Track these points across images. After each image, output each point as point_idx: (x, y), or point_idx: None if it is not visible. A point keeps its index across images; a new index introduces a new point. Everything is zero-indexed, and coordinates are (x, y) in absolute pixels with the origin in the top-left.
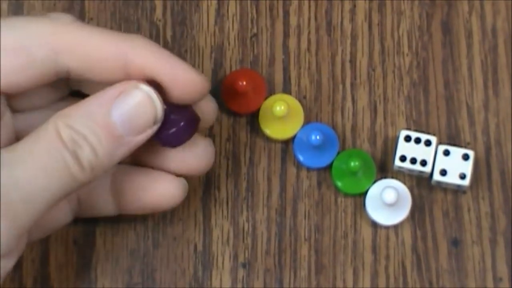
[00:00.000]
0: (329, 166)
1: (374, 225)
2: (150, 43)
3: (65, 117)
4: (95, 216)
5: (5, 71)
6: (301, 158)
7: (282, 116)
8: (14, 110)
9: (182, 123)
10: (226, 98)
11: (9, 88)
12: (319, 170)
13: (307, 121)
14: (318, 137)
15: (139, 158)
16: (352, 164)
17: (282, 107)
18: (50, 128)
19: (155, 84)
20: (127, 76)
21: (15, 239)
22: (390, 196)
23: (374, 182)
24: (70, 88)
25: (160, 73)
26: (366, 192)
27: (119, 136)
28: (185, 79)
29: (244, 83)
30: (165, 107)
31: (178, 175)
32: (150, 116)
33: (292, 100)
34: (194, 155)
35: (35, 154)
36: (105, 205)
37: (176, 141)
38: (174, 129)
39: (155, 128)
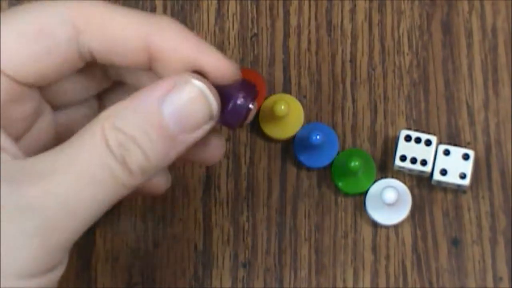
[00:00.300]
0: (329, 166)
1: (374, 225)
2: (176, 24)
3: (112, 118)
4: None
5: (31, 59)
6: (301, 158)
7: (282, 116)
8: (55, 107)
9: (240, 98)
10: None
11: (39, 78)
12: (319, 170)
13: (307, 121)
14: (318, 137)
15: None
16: (352, 164)
17: (283, 107)
18: (95, 132)
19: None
20: (152, 61)
21: (55, 256)
22: (390, 196)
23: (374, 182)
24: (111, 79)
25: (187, 57)
26: (366, 192)
27: (172, 136)
28: (214, 65)
29: None
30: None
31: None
32: (205, 113)
33: (292, 100)
34: (208, 149)
35: (77, 163)
36: None
37: (235, 119)
38: (231, 106)
39: (212, 123)
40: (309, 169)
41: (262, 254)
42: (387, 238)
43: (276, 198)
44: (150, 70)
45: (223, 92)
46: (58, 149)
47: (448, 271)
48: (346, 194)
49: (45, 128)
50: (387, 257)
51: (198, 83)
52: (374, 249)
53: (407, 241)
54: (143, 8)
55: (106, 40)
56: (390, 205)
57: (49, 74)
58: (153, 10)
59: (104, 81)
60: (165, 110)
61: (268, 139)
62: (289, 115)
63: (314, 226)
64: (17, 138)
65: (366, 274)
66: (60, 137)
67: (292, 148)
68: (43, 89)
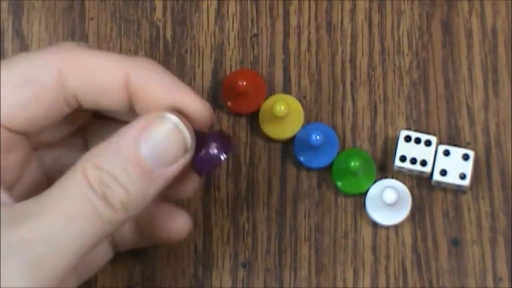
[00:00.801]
0: (329, 166)
1: (374, 225)
2: (154, 64)
3: (93, 158)
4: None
5: (19, 106)
6: (301, 158)
7: (282, 116)
8: (39, 146)
9: (213, 148)
10: (226, 98)
11: (28, 125)
12: (319, 170)
13: (307, 121)
14: (318, 137)
15: None
16: (352, 164)
17: (282, 107)
18: (77, 173)
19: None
20: (133, 101)
21: None
22: (390, 196)
23: (374, 182)
24: (90, 112)
25: (164, 96)
26: (366, 192)
27: (150, 170)
28: (189, 106)
29: (244, 83)
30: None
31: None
32: (180, 146)
33: (292, 100)
34: (184, 183)
35: (62, 202)
36: (131, 238)
37: (205, 167)
38: (203, 153)
39: (187, 157)
40: (309, 169)
41: (262, 254)
42: (387, 238)
43: (276, 198)
44: (132, 111)
45: (199, 138)
46: (44, 192)
47: (448, 271)
48: (346, 194)
49: (34, 173)
50: (387, 257)
51: (171, 117)
52: (374, 249)
53: (407, 241)
54: (143, 8)
55: (89, 83)
56: (390, 205)
57: (38, 120)
58: (153, 10)
59: (83, 116)
60: (142, 147)
61: (268, 139)
62: (289, 115)
63: (314, 226)
64: (10, 187)
65: (366, 274)
66: (50, 180)
67: (292, 148)
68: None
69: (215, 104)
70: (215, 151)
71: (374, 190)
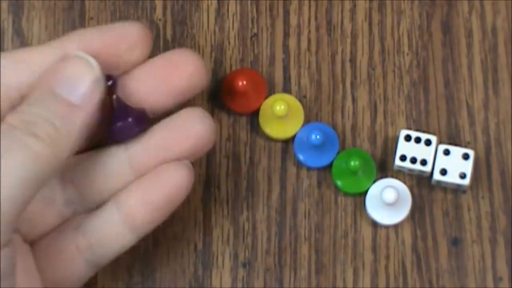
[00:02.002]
0: (329, 166)
1: (374, 224)
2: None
3: (15, 111)
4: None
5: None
6: (301, 157)
7: (282, 116)
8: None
9: (130, 119)
10: (226, 97)
11: None
12: (319, 169)
13: (307, 120)
14: (318, 137)
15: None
16: (352, 163)
17: (282, 107)
18: (2, 125)
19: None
20: None
21: None
22: (390, 196)
23: (374, 181)
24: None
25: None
26: (366, 192)
27: (69, 103)
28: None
29: (244, 82)
30: (115, 97)
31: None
32: (89, 75)
33: (292, 100)
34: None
35: None
36: (121, 238)
37: (120, 135)
38: (120, 123)
39: (100, 85)
40: (309, 168)
41: (262, 254)
42: (387, 238)
43: (276, 198)
44: None
45: (121, 109)
46: None
47: (448, 271)
48: (346, 194)
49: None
50: (387, 257)
51: (76, 53)
52: (374, 249)
53: (407, 241)
54: (143, 8)
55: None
56: (390, 205)
57: None
58: (153, 9)
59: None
60: (56, 85)
61: (268, 138)
62: (289, 115)
63: (314, 226)
64: None
65: (366, 274)
66: None
67: (292, 148)
68: None
69: (215, 103)
70: (133, 123)
71: (374, 190)
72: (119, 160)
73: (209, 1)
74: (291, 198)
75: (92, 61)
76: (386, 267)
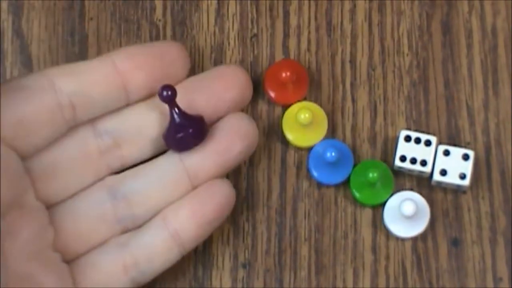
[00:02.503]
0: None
1: (374, 225)
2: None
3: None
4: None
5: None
6: (316, 174)
7: (306, 124)
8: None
9: (190, 130)
10: (268, 88)
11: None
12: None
13: None
14: (333, 154)
15: None
16: (370, 175)
17: (307, 115)
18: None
19: None
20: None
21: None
22: (409, 209)
23: (393, 193)
24: None
25: None
26: (384, 205)
27: None
28: None
29: (288, 74)
30: (175, 107)
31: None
32: None
33: (316, 109)
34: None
35: None
36: (168, 253)
37: (181, 146)
38: (182, 134)
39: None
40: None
41: (262, 254)
42: (387, 238)
43: (276, 198)
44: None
45: (182, 119)
46: None
47: (448, 271)
48: (364, 205)
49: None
50: (387, 257)
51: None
52: (374, 249)
53: (407, 241)
54: (143, 8)
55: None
56: (409, 217)
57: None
58: (153, 10)
59: None
60: None
61: (268, 139)
62: (313, 123)
63: (314, 226)
64: None
65: (366, 274)
66: None
67: (292, 148)
68: None
69: (254, 94)
70: (194, 133)
71: (393, 202)
72: (176, 171)
73: (209, 2)
74: (291, 198)
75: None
76: (386, 267)
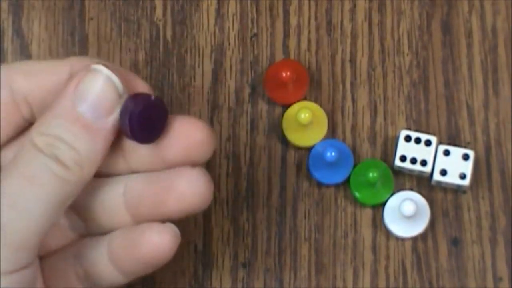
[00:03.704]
0: (345, 180)
1: (374, 225)
2: (90, 58)
3: (38, 126)
4: None
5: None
6: (316, 175)
7: (306, 124)
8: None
9: (141, 108)
10: (268, 88)
11: None
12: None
13: None
14: (333, 154)
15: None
16: (370, 175)
17: (307, 115)
18: (26, 144)
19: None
20: None
21: (21, 256)
22: (409, 209)
23: (393, 193)
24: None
25: None
26: (384, 205)
27: (90, 124)
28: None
29: (288, 73)
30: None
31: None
32: (113, 94)
33: (316, 108)
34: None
35: (18, 169)
36: (111, 276)
37: (141, 131)
38: (137, 110)
39: (120, 103)
40: (327, 185)
41: (262, 254)
42: (387, 238)
43: (276, 198)
44: None
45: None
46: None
47: (448, 271)
48: (364, 205)
49: None
50: (387, 257)
51: (100, 68)
52: (374, 249)
53: (407, 241)
54: (143, 8)
55: (37, 85)
56: (409, 217)
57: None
58: (153, 9)
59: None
60: (78, 103)
61: (268, 139)
62: (313, 123)
63: (314, 226)
64: None
65: (366, 274)
66: None
67: (292, 148)
68: None
69: (254, 94)
70: (133, 103)
71: (393, 202)
72: (117, 198)
73: (209, 1)
74: (291, 198)
75: (117, 81)
76: (386, 267)
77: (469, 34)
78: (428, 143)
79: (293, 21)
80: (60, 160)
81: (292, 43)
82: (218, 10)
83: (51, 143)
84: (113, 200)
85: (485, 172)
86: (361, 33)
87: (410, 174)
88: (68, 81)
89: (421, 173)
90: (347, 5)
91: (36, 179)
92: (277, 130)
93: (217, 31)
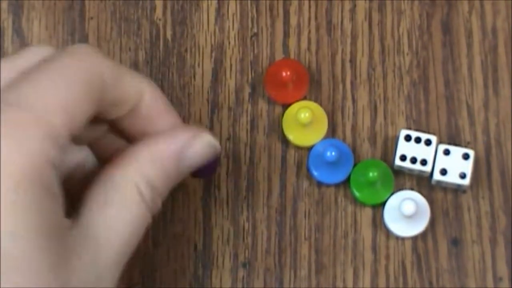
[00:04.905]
0: (346, 180)
1: (374, 224)
2: (159, 90)
3: (143, 170)
4: None
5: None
6: (316, 174)
7: (306, 123)
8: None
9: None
10: (269, 88)
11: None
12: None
13: None
14: (333, 153)
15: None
16: (370, 174)
17: (307, 114)
18: (131, 188)
19: None
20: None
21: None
22: (409, 208)
23: (393, 193)
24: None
25: (166, 124)
26: (384, 204)
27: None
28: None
29: (288, 73)
30: None
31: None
32: (210, 157)
33: (317, 108)
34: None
35: (121, 221)
36: None
37: (208, 173)
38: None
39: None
40: (327, 185)
41: (262, 254)
42: (387, 238)
43: (276, 198)
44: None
45: None
46: (98, 209)
47: (448, 271)
48: (365, 205)
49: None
50: (387, 257)
51: (207, 137)
52: (374, 249)
53: (407, 241)
54: (143, 8)
55: (112, 94)
56: (409, 217)
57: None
58: (153, 9)
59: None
60: (181, 164)
61: (267, 139)
62: (313, 122)
63: (314, 226)
64: None
65: (366, 274)
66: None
67: (292, 148)
68: None
69: (254, 93)
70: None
71: (393, 202)
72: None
73: (209, 1)
74: (291, 198)
75: (218, 145)
76: (386, 267)
77: (469, 34)
78: (428, 142)
79: (293, 21)
80: (146, 198)
81: (292, 43)
82: (218, 10)
83: (155, 199)
84: None
85: (485, 172)
86: (361, 33)
87: (410, 173)
88: (175, 137)
89: (421, 172)
90: (347, 5)
91: (125, 205)
92: (277, 130)
93: (217, 30)
